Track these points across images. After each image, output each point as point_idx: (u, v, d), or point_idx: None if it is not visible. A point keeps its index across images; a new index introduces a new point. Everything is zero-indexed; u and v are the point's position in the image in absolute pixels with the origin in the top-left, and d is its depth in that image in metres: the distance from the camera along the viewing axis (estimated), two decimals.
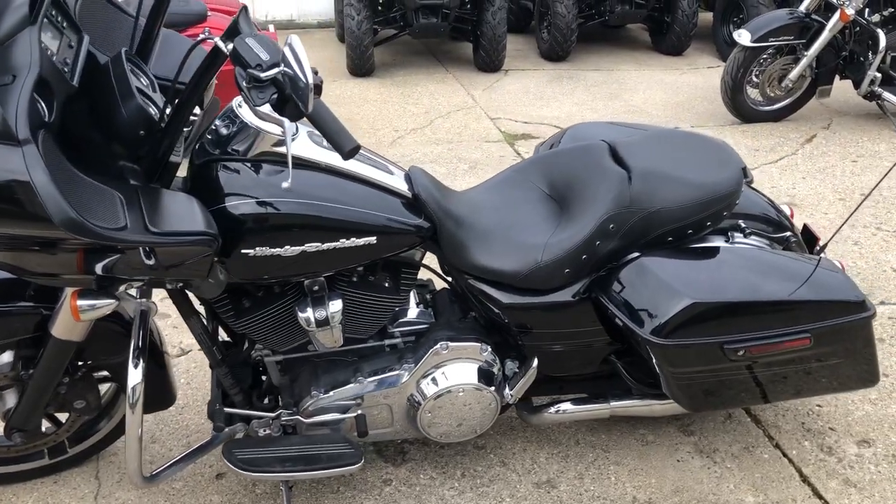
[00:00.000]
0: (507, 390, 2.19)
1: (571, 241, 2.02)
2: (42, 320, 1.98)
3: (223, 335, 2.30)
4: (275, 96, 1.49)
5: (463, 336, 2.16)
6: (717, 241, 2.16)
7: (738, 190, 2.09)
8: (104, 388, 2.29)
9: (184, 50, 1.91)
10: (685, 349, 1.99)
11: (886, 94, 5.13)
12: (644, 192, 2.03)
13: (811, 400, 2.66)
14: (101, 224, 1.45)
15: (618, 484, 2.35)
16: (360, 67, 6.46)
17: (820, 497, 2.30)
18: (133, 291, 1.91)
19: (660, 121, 5.48)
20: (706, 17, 7.57)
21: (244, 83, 1.49)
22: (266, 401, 2.22)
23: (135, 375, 1.80)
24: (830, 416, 2.60)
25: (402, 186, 2.01)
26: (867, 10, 5.09)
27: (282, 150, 1.82)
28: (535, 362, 2.17)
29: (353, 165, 1.93)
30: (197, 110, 1.88)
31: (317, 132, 1.94)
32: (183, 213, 1.63)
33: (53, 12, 1.67)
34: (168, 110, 1.68)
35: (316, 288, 2.00)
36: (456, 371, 2.15)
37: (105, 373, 2.20)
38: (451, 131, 5.30)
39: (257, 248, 1.78)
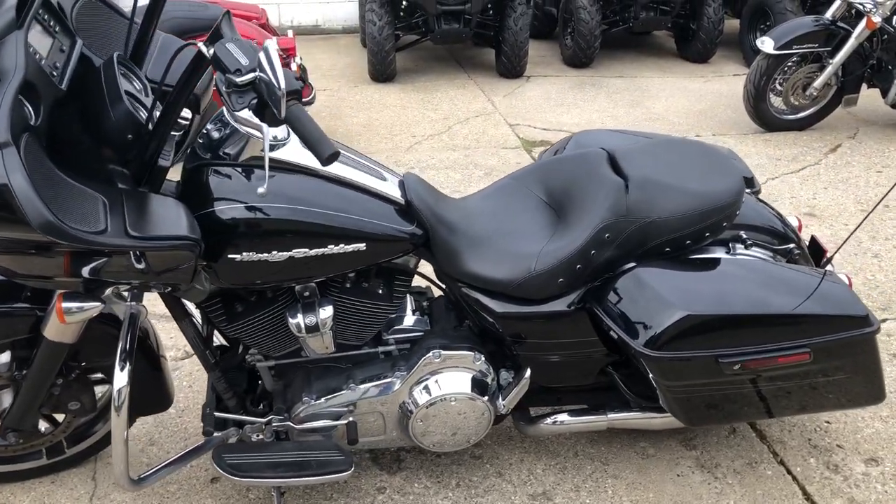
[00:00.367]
0: (500, 400, 2.16)
1: (566, 251, 1.99)
2: (37, 321, 1.99)
3: (221, 339, 2.31)
4: (254, 101, 1.49)
5: (456, 344, 2.13)
6: (718, 253, 2.12)
7: (739, 200, 2.05)
8: (101, 390, 2.30)
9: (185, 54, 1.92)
10: (679, 362, 1.95)
11: None
12: (641, 202, 2.00)
13: (819, 416, 2.59)
14: (81, 227, 1.46)
15: (615, 497, 2.31)
16: (382, 73, 6.46)
17: None
18: (126, 294, 1.92)
19: (680, 129, 5.41)
20: (733, 23, 7.47)
21: (224, 88, 1.49)
22: (260, 406, 2.22)
23: (121, 378, 1.80)
24: (839, 433, 2.53)
25: (395, 193, 1.99)
26: (895, 17, 4.98)
27: (272, 155, 1.82)
28: (528, 372, 2.14)
29: (345, 171, 1.92)
30: (188, 114, 1.88)
31: None
32: (166, 217, 1.63)
33: (46, 17, 1.69)
34: (156, 114, 1.68)
35: (307, 294, 1.99)
36: (449, 380, 2.12)
37: (101, 375, 2.21)
38: (468, 137, 5.29)
39: (244, 253, 1.78)
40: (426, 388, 2.12)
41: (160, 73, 1.89)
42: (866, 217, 2.54)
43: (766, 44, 4.98)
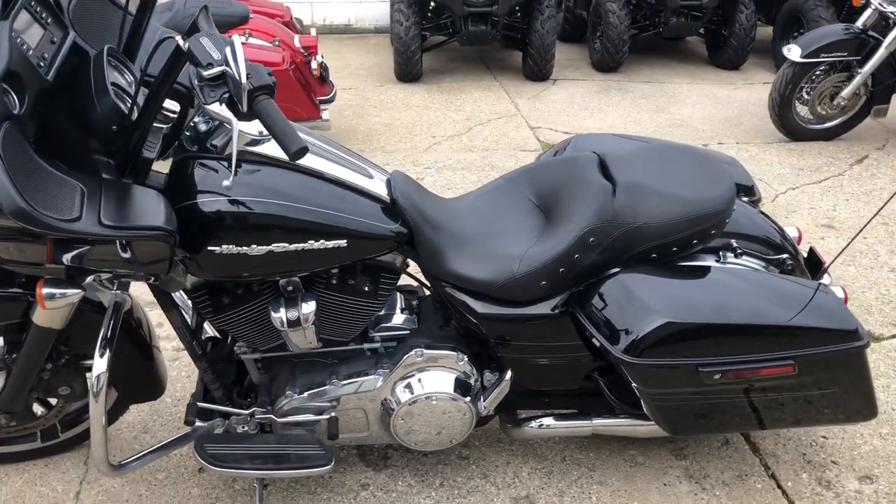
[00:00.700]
0: (481, 402, 2.15)
1: (549, 254, 1.98)
2: (29, 307, 2.03)
3: (214, 331, 2.34)
4: (226, 95, 1.50)
5: (440, 344, 2.13)
6: (706, 261, 2.10)
7: (728, 209, 2.02)
8: None
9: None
10: (659, 370, 1.93)
11: None
12: (628, 207, 1.98)
13: (816, 431, 2.55)
14: (53, 215, 1.48)
15: None
16: (407, 73, 6.48)
17: None
18: (112, 283, 1.95)
19: (704, 136, 5.35)
20: (767, 31, 7.37)
21: (196, 81, 1.50)
22: (248, 399, 2.25)
23: (100, 364, 1.83)
24: (835, 449, 2.48)
25: (381, 191, 2.00)
26: None
27: (255, 149, 1.84)
28: (509, 374, 2.14)
29: (329, 168, 1.93)
30: (176, 107, 1.91)
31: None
32: (142, 207, 1.65)
33: (38, 9, 1.73)
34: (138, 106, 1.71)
35: (290, 288, 2.01)
36: (431, 379, 2.13)
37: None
38: (488, 139, 5.28)
39: (224, 246, 1.79)
40: (408, 386, 2.12)
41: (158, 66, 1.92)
42: (861, 229, 2.49)
43: (793, 51, 4.90)
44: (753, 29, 6.81)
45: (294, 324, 1.98)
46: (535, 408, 2.35)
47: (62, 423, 2.38)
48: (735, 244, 2.12)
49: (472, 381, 2.16)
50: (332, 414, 2.14)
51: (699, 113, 5.85)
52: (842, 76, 5.00)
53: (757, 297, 1.95)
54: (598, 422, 2.26)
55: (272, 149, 1.86)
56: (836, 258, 2.34)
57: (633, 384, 1.99)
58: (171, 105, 1.89)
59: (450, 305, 2.12)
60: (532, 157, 4.94)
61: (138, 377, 2.27)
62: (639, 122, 5.67)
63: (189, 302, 2.13)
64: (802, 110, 5.17)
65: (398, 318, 2.26)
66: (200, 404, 2.14)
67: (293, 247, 1.84)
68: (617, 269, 2.00)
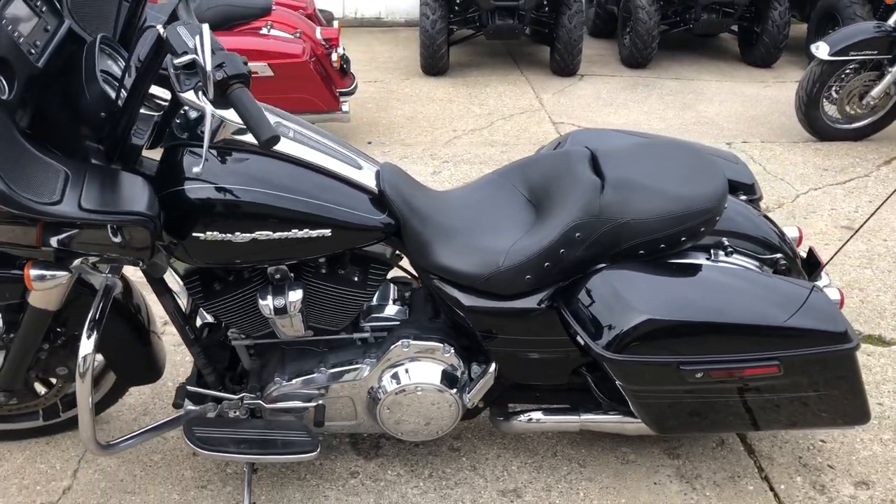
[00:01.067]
0: (467, 394, 2.16)
1: (534, 248, 1.98)
2: (27, 288, 2.08)
3: (210, 317, 2.38)
4: (200, 84, 1.53)
5: (427, 335, 2.14)
6: (696, 258, 2.07)
7: (719, 206, 1.99)
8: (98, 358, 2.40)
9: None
10: (640, 367, 1.92)
11: None
12: (615, 202, 1.97)
13: (815, 434, 2.51)
14: (32, 198, 1.53)
15: (585, 500, 2.28)
16: (433, 67, 6.49)
17: None
18: (103, 266, 1.99)
19: (729, 134, 5.27)
20: (801, 28, 7.23)
21: (172, 69, 1.53)
22: (241, 384, 2.28)
23: (86, 346, 1.87)
24: (832, 453, 2.44)
25: (369, 182, 2.01)
26: None
27: (242, 137, 1.86)
28: (493, 367, 2.14)
29: (316, 157, 1.95)
30: (167, 96, 1.94)
31: (284, 122, 2.00)
32: (125, 193, 1.69)
33: None
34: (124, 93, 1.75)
35: (278, 276, 2.03)
36: (418, 370, 2.14)
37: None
38: (509, 134, 5.27)
39: (208, 233, 1.82)
40: (395, 376, 2.14)
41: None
42: (859, 228, 2.44)
43: (821, 49, 4.80)
44: (787, 26, 6.68)
45: (281, 311, 2.01)
46: (526, 402, 2.35)
47: (63, 403, 2.43)
48: (726, 242, 2.09)
49: (458, 374, 2.17)
50: (320, 402, 2.16)
51: (726, 111, 5.76)
52: (872, 75, 4.90)
53: (743, 296, 1.93)
54: (585, 417, 2.25)
55: None
56: (830, 259, 2.30)
57: (617, 381, 1.98)
58: (162, 93, 1.92)
59: (437, 297, 2.12)
60: None
61: (135, 361, 2.32)
62: (664, 118, 5.61)
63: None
64: (831, 109, 5.07)
65: (390, 309, 2.28)
66: (190, 388, 2.18)
67: (277, 235, 1.86)
68: (603, 265, 1.99)
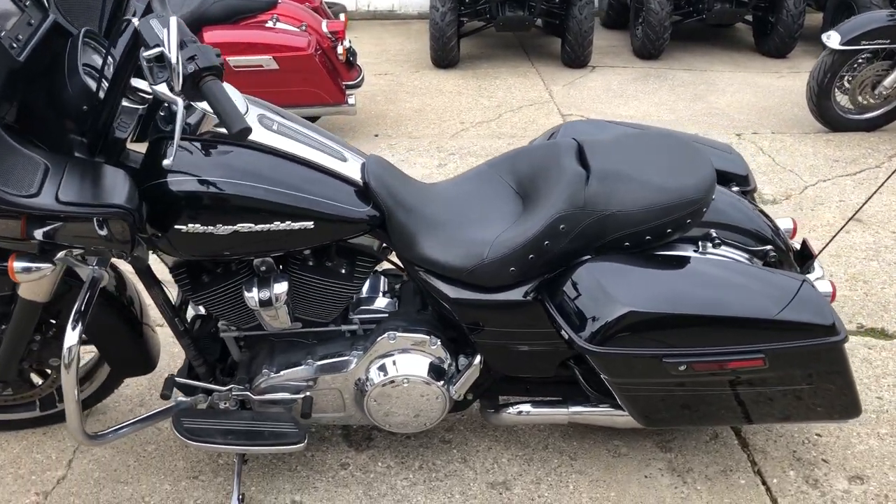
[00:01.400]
0: (453, 386, 2.16)
1: (518, 240, 1.97)
2: None
3: (203, 308, 2.39)
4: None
5: (414, 327, 2.14)
6: (683, 250, 2.06)
7: (705, 198, 1.97)
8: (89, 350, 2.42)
9: None
10: (622, 359, 1.90)
11: None
12: (600, 194, 1.95)
13: (811, 427, 2.48)
14: (10, 190, 1.54)
15: (574, 493, 2.28)
16: (443, 59, 6.48)
17: None
18: (90, 259, 2.01)
19: (739, 125, 5.22)
20: (816, 17, 7.13)
21: (145, 62, 1.53)
22: (232, 375, 2.29)
23: (71, 337, 1.89)
24: (827, 447, 2.41)
25: (354, 174, 2.01)
26: None
27: (222, 129, 1.86)
28: (478, 359, 2.14)
29: (301, 150, 1.95)
30: (148, 88, 1.95)
31: (268, 115, 2.00)
32: (104, 186, 1.70)
33: None
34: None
35: (264, 268, 2.04)
36: (405, 362, 2.14)
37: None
38: (516, 126, 5.25)
39: (189, 225, 1.83)
40: (381, 368, 2.14)
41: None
42: (850, 219, 2.41)
43: (833, 38, 4.73)
44: (802, 15, 6.59)
45: (266, 304, 2.02)
46: (516, 394, 2.35)
47: (59, 393, 2.45)
48: (714, 234, 2.07)
49: (445, 366, 2.17)
50: (307, 393, 2.17)
51: (738, 101, 5.70)
52: (884, 64, 4.82)
53: (728, 288, 1.90)
54: (574, 410, 2.24)
55: None
56: (822, 250, 2.27)
57: (601, 374, 1.97)
58: (146, 86, 1.93)
59: (423, 290, 2.12)
60: None
61: (128, 352, 2.34)
62: (674, 110, 5.56)
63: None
64: (843, 100, 5.00)
65: (379, 302, 2.28)
66: (179, 379, 2.19)
67: (259, 227, 1.87)
68: (588, 257, 1.98)
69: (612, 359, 1.91)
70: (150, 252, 1.98)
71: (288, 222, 1.89)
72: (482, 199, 2.16)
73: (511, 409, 2.27)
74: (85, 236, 1.78)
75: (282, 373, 2.16)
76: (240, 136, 1.50)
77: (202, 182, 1.83)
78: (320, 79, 4.57)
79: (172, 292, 2.22)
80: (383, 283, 2.34)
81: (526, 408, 2.27)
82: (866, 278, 3.34)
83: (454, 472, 2.35)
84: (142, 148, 1.97)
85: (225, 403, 2.23)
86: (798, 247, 2.33)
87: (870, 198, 2.43)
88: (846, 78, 4.92)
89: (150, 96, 1.96)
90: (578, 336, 1.90)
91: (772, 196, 4.15)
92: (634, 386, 1.98)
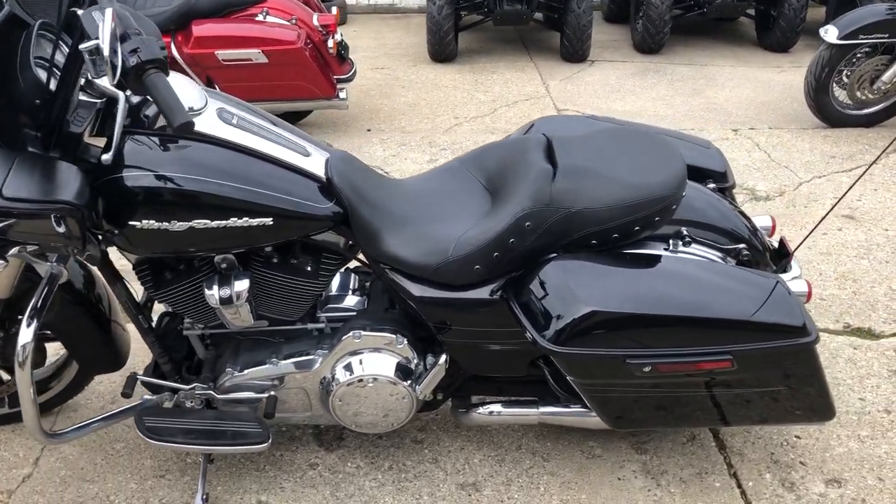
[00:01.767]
0: (418, 386, 2.12)
1: (483, 237, 1.93)
2: None
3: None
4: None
5: (379, 326, 2.11)
6: (655, 249, 2.01)
7: (674, 195, 1.92)
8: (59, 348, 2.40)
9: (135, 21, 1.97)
10: (585, 359, 1.86)
11: None
12: (566, 191, 1.90)
13: (790, 429, 2.43)
14: None
15: (545, 495, 2.24)
16: (440, 53, 6.43)
17: None
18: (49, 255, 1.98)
19: (737, 120, 5.15)
20: (820, 11, 7.04)
21: (86, 55, 1.50)
22: (199, 374, 2.26)
23: (25, 334, 1.86)
24: (806, 449, 2.37)
25: (317, 169, 1.98)
26: None
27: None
28: (443, 359, 2.10)
29: (261, 145, 1.91)
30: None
31: (228, 108, 1.96)
32: (53, 181, 1.67)
33: None
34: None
35: (224, 265, 2.01)
36: (371, 361, 2.10)
37: (49, 332, 2.30)
38: (511, 121, 5.20)
39: (143, 221, 1.80)
40: (347, 367, 2.11)
41: None
42: (826, 215, 2.35)
43: (830, 33, 4.66)
44: (804, 9, 6.50)
45: (227, 302, 1.98)
46: (488, 393, 2.31)
47: None
48: (685, 232, 2.02)
49: (412, 365, 2.13)
50: (272, 393, 2.14)
51: (736, 96, 5.63)
52: (883, 59, 4.74)
53: (695, 288, 1.86)
54: (544, 410, 2.20)
55: (200, 124, 1.85)
56: (797, 248, 2.21)
57: (566, 374, 1.93)
58: (103, 80, 1.90)
59: (389, 288, 2.09)
60: None
61: (97, 350, 2.31)
62: (671, 104, 5.49)
63: None
64: (841, 95, 4.92)
65: (348, 300, 2.25)
66: (141, 377, 2.16)
67: (215, 224, 1.83)
68: (554, 255, 1.93)
69: (575, 359, 1.87)
70: (111, 248, 1.94)
71: (245, 218, 1.85)
72: (450, 195, 2.12)
73: (481, 409, 2.24)
74: (36, 233, 1.75)
75: (246, 372, 2.13)
76: (181, 130, 1.47)
77: (156, 177, 1.79)
78: (310, 73, 4.53)
79: (139, 289, 2.19)
80: (353, 280, 2.30)
81: (496, 408, 2.23)
82: (856, 277, 3.28)
83: (424, 473, 2.31)
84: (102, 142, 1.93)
85: (190, 402, 2.20)
86: (776, 245, 2.28)
87: (845, 193, 2.37)
88: (845, 73, 4.84)
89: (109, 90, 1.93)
90: (541, 336, 1.86)
91: (765, 192, 4.09)
92: (600, 387, 1.94)
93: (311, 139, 2.10)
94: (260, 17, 4.57)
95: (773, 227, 2.32)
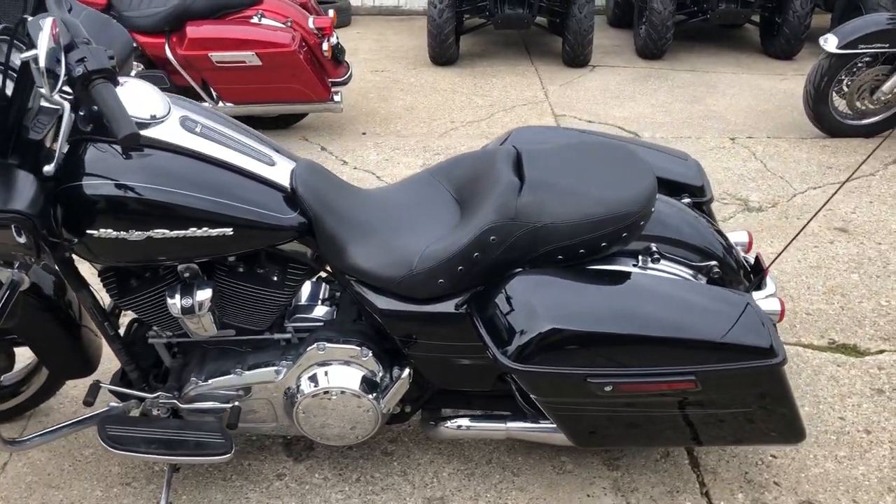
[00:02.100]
0: (382, 399, 2.10)
1: (448, 251, 1.90)
2: None
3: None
4: (63, 78, 1.48)
5: (344, 338, 2.09)
6: (624, 265, 1.97)
7: (642, 211, 1.88)
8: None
9: (105, 29, 1.97)
10: (544, 378, 1.83)
11: None
12: (532, 205, 1.87)
13: (767, 449, 2.39)
14: None
15: None
16: (441, 56, 6.40)
17: None
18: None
19: (735, 128, 5.10)
20: (826, 18, 6.96)
21: (32, 65, 1.49)
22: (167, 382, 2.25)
23: None
24: (781, 469, 2.33)
25: (281, 179, 1.96)
26: None
27: (144, 133, 1.81)
28: (406, 372, 2.08)
29: (223, 154, 1.89)
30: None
31: (192, 116, 1.94)
32: (5, 190, 1.65)
33: None
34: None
35: (188, 275, 1.99)
36: (334, 373, 2.08)
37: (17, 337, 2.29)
38: (507, 126, 5.16)
39: (101, 230, 1.78)
40: (311, 379, 2.09)
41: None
42: (802, 228, 2.31)
43: (829, 42, 4.60)
44: (808, 16, 6.43)
45: (188, 311, 1.96)
46: (458, 407, 2.28)
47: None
48: (654, 248, 1.99)
49: (378, 378, 2.10)
50: (236, 403, 2.12)
51: (736, 104, 5.57)
52: (884, 69, 4.68)
53: (660, 306, 1.82)
54: (512, 426, 2.17)
55: (161, 133, 1.84)
56: (771, 263, 2.16)
57: (528, 392, 1.90)
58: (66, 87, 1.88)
59: (354, 300, 2.06)
60: None
61: (66, 355, 2.30)
62: (670, 111, 5.45)
63: None
64: (841, 104, 4.86)
65: (317, 310, 2.23)
66: (103, 385, 2.15)
67: (174, 233, 1.81)
68: (518, 270, 1.91)
69: (535, 378, 1.84)
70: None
71: (205, 228, 1.83)
72: (419, 206, 2.10)
73: (449, 424, 2.21)
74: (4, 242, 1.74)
75: (210, 381, 2.11)
76: (127, 142, 1.45)
77: (115, 185, 1.77)
78: (304, 76, 4.52)
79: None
80: (323, 290, 2.28)
81: (464, 422, 2.20)
82: (844, 291, 3.23)
83: (391, 486, 2.29)
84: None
85: (157, 411, 2.19)
86: (752, 261, 2.24)
87: (825, 204, 2.32)
88: (845, 82, 4.78)
89: (70, 96, 1.92)
90: (501, 352, 1.83)
91: (758, 203, 4.04)
92: (563, 405, 1.91)
93: (279, 148, 2.08)
94: (255, 20, 4.56)
95: (750, 243, 2.29)
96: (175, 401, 2.13)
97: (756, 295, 2.09)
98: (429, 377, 2.12)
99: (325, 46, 4.65)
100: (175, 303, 1.96)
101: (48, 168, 1.58)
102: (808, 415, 2.53)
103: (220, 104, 4.62)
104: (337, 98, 4.73)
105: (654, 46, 6.56)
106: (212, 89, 4.59)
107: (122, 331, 2.24)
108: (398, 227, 2.03)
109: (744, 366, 1.81)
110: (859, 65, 4.72)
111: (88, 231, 1.79)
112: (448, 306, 1.97)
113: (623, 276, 1.90)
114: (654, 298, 1.84)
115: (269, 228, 1.90)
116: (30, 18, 1.54)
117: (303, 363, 2.08)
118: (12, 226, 1.68)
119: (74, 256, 1.97)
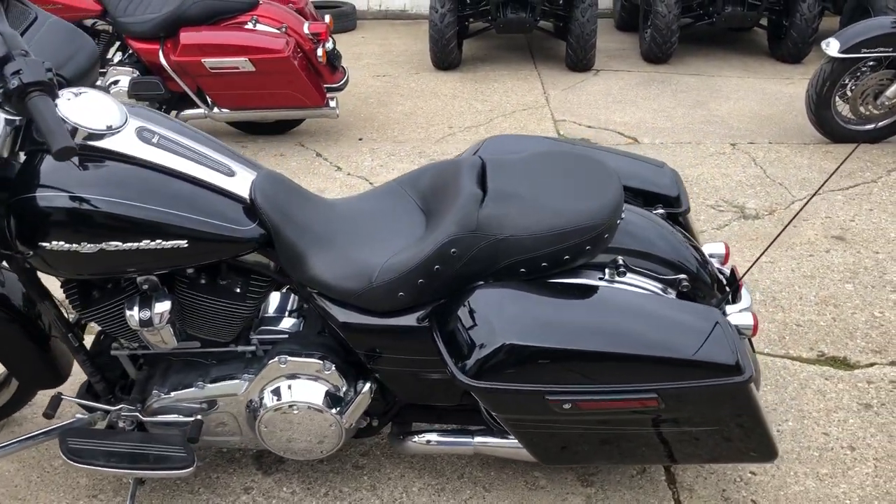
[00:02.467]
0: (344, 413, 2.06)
1: (408, 263, 1.86)
2: None
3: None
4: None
5: (306, 351, 2.05)
6: (590, 279, 1.92)
7: (606, 223, 1.83)
8: None
9: (69, 39, 1.95)
10: (500, 395, 1.78)
11: None
12: (493, 217, 1.83)
13: (747, 466, 2.33)
14: None
15: None
16: (443, 61, 6.37)
17: None
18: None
19: (737, 133, 5.02)
20: (835, 21, 6.86)
21: None
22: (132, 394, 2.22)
23: None
24: (759, 487, 2.26)
25: (241, 190, 1.93)
26: None
27: (93, 143, 1.79)
28: (367, 386, 2.04)
29: (180, 164, 1.86)
30: None
31: (149, 127, 1.91)
32: None
33: None
34: None
35: (146, 287, 1.96)
36: (297, 387, 2.05)
37: None
38: (506, 131, 5.12)
39: (53, 243, 1.76)
40: (273, 392, 2.05)
41: (44, 55, 1.90)
42: (776, 237, 2.24)
43: (832, 46, 4.52)
44: (816, 19, 6.34)
45: (147, 324, 1.94)
46: (427, 421, 2.24)
47: None
48: (621, 261, 1.93)
49: (341, 392, 2.07)
50: (198, 416, 2.09)
51: (739, 109, 5.50)
52: (888, 73, 4.59)
53: (622, 321, 1.77)
54: (479, 441, 2.13)
55: (116, 144, 1.81)
56: (743, 275, 2.10)
57: (487, 408, 1.86)
58: None
59: (315, 312, 2.03)
60: None
61: (35, 366, 2.28)
62: (671, 117, 5.38)
63: None
64: (844, 109, 4.77)
65: (283, 322, 2.19)
66: (64, 397, 2.13)
67: (127, 246, 1.79)
68: (480, 283, 1.86)
69: (494, 395, 1.79)
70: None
71: (158, 241, 1.80)
72: (383, 217, 2.06)
73: (417, 438, 2.17)
74: None
75: (172, 394, 2.09)
76: (61, 155, 1.42)
77: (68, 197, 1.75)
78: (298, 81, 4.50)
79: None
80: (291, 301, 2.25)
81: (432, 437, 2.16)
82: (838, 302, 3.16)
83: (360, 501, 2.25)
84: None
85: (122, 423, 2.16)
86: (728, 273, 2.18)
87: (801, 209, 2.25)
88: (849, 86, 4.69)
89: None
90: (458, 368, 1.79)
91: (755, 210, 3.97)
92: (524, 423, 1.86)
93: (243, 159, 2.05)
94: (249, 25, 4.55)
95: (727, 255, 2.23)
96: (137, 413, 2.10)
97: (730, 308, 2.03)
98: (394, 391, 2.09)
99: (319, 52, 4.63)
100: (133, 315, 1.93)
101: None
102: (791, 430, 2.47)
103: (216, 110, 4.62)
104: (332, 104, 4.71)
105: (660, 50, 6.49)
106: (206, 95, 4.58)
107: (91, 341, 2.23)
108: (360, 238, 1.99)
109: (707, 383, 1.75)
110: (863, 69, 4.64)
111: (41, 243, 1.77)
112: (410, 320, 1.93)
113: (587, 290, 1.85)
114: (616, 313, 1.79)
115: (225, 240, 1.87)
116: None
117: (265, 376, 2.05)
118: None
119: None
